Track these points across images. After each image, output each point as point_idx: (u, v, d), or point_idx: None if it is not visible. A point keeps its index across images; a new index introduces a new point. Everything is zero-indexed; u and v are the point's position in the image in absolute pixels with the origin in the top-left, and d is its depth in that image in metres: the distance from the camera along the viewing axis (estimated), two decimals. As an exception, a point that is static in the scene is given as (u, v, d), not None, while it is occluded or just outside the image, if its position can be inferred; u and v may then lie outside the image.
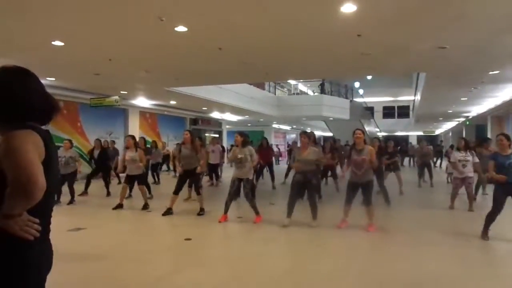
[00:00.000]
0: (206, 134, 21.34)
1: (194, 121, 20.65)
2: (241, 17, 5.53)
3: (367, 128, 24.98)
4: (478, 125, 24.76)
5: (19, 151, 1.32)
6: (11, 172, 1.31)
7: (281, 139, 32.39)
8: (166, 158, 15.71)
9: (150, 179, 10.50)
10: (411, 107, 29.58)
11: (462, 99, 15.33)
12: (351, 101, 24.65)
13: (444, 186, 11.44)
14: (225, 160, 13.96)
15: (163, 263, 4.39)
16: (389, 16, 5.46)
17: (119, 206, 7.80)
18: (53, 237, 1.59)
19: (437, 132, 39.01)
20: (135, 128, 15.95)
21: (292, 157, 6.67)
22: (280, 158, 25.54)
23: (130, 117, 16.13)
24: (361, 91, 31.80)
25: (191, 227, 6.30)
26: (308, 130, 25.38)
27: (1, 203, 1.34)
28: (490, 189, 7.53)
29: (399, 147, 18.38)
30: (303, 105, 21.37)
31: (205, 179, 11.19)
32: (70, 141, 8.84)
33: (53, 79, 10.15)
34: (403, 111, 35.46)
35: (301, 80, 24.32)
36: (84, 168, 10.52)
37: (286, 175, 12.14)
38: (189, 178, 7.42)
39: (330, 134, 27.81)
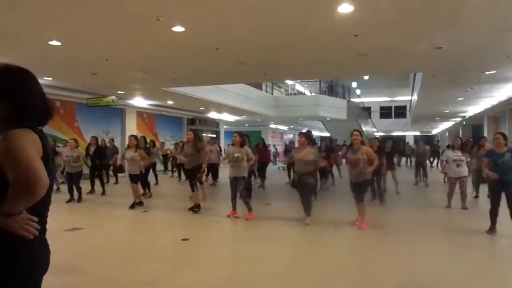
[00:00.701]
0: (204, 135, 21.30)
1: (192, 121, 20.60)
2: (238, 17, 5.53)
3: (364, 128, 25.00)
4: (474, 125, 24.86)
5: (20, 149, 1.32)
6: (13, 170, 1.30)
7: (279, 139, 32.38)
8: (165, 158, 15.65)
9: (151, 179, 10.45)
10: (408, 107, 29.69)
11: (458, 99, 15.40)
12: (348, 101, 24.68)
13: (441, 185, 11.49)
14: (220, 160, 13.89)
15: (160, 263, 4.38)
16: (386, 16, 5.49)
17: (139, 203, 7.77)
18: (49, 236, 1.59)
19: (434, 132, 39.12)
20: (132, 128, 15.89)
21: (290, 156, 6.72)
22: (277, 158, 25.59)
23: (127, 117, 16.08)
24: (358, 91, 31.87)
25: (189, 226, 6.31)
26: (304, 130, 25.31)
27: (1, 203, 1.33)
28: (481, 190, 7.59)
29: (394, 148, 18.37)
30: (301, 105, 21.39)
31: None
32: (75, 140, 8.84)
33: (50, 78, 10.13)
34: (400, 111, 35.60)
35: (299, 81, 24.32)
36: (84, 168, 10.50)
37: (289, 175, 12.10)
38: (189, 176, 7.62)
39: (327, 134, 27.84)
